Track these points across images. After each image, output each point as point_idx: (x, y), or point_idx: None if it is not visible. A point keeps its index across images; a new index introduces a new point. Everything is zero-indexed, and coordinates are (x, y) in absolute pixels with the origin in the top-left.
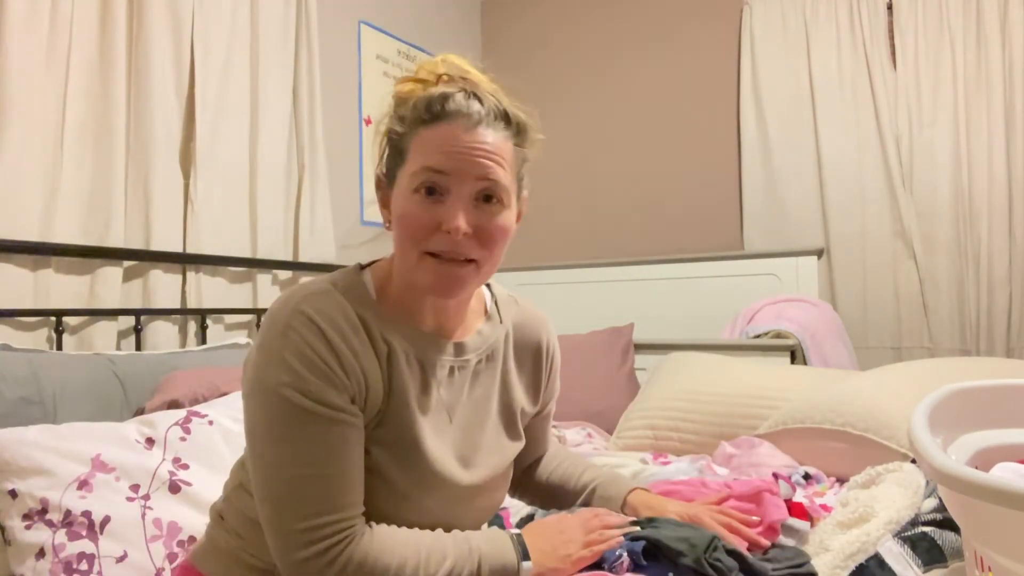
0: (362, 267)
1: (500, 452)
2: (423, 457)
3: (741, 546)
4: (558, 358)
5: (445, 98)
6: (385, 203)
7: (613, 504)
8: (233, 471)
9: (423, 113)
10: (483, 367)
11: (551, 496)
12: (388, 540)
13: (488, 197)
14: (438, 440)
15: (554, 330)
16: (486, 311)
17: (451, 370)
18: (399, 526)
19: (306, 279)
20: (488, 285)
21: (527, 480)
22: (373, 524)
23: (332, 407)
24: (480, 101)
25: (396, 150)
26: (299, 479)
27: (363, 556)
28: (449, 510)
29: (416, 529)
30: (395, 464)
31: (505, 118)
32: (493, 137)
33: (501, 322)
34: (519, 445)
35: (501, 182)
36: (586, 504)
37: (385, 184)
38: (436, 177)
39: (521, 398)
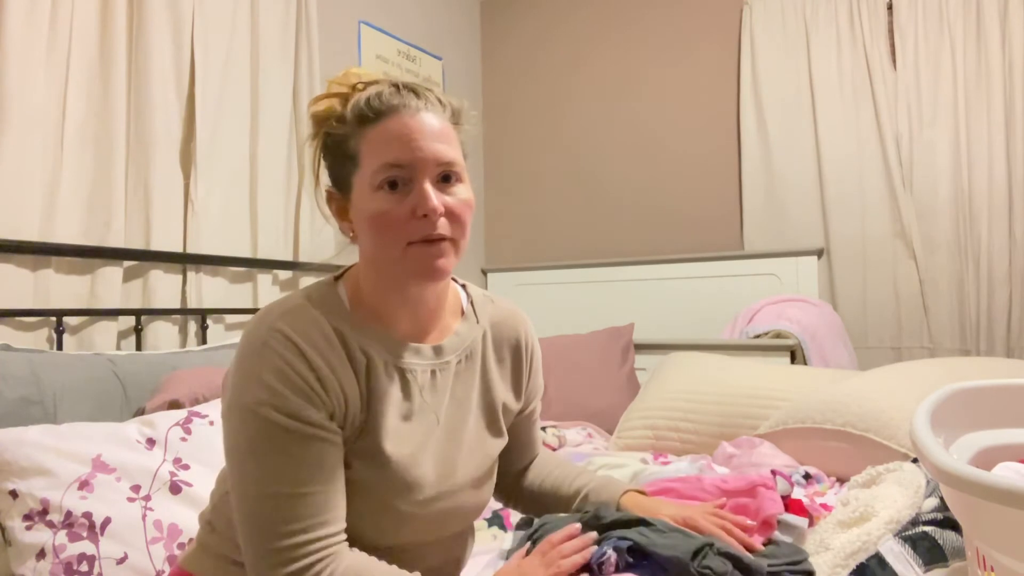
0: (336, 277)
1: (483, 449)
2: (400, 464)
3: (737, 548)
4: (538, 353)
5: (381, 94)
6: (342, 215)
7: (607, 509)
8: (219, 479)
9: (365, 112)
10: (463, 367)
11: (543, 503)
12: (367, 570)
13: (447, 177)
14: (421, 444)
15: (532, 327)
16: (462, 311)
17: (432, 373)
18: (383, 537)
19: (305, 280)
20: (464, 286)
21: (519, 488)
22: (355, 550)
23: (311, 424)
24: (413, 92)
25: (343, 157)
26: (277, 497)
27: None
28: (435, 515)
29: (395, 567)
30: (375, 473)
31: (439, 103)
32: (436, 120)
33: (478, 322)
34: (501, 442)
35: (456, 160)
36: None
37: (339, 196)
38: (398, 171)
39: (503, 395)
